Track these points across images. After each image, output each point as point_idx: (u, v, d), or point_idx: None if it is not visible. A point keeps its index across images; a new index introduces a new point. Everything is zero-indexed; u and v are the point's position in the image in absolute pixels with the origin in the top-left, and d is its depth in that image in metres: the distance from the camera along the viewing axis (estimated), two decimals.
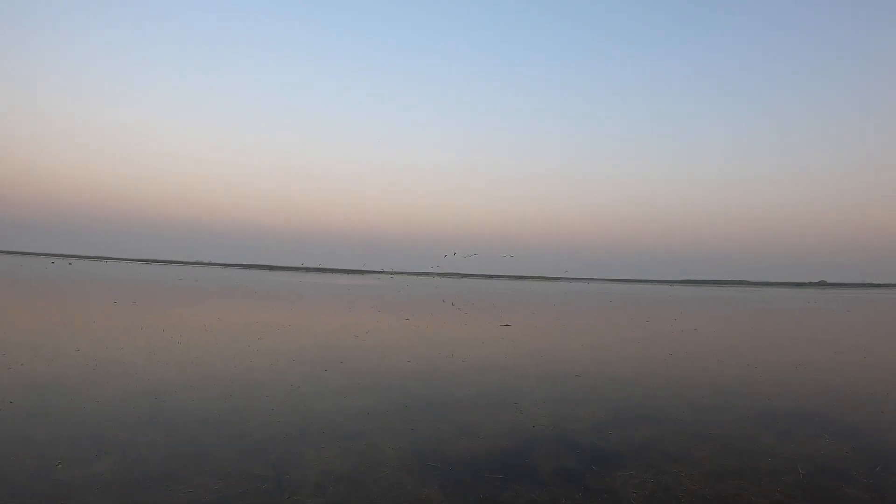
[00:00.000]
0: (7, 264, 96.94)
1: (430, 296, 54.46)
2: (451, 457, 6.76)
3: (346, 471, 6.13)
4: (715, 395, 11.05)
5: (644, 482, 6.09)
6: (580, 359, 15.44)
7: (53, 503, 5.04)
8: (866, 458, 7.12)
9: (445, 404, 9.37)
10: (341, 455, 6.65)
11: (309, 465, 6.27)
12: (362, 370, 12.01)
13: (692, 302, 60.20)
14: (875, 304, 64.27)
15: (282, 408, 8.66)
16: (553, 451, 7.16)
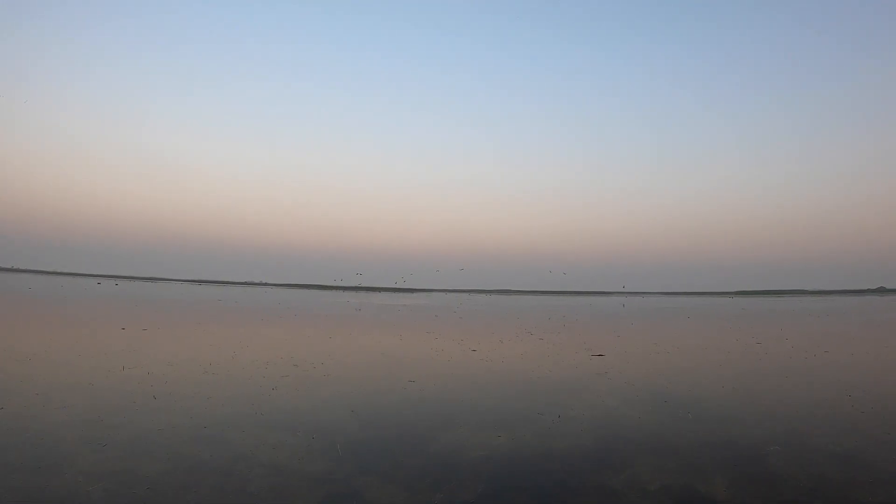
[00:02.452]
0: (52, 284, 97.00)
1: (489, 316, 49.22)
2: None
3: None
4: None
5: None
6: (734, 407, 10.11)
7: None
8: None
9: None
10: None
11: None
12: (427, 459, 6.89)
13: (774, 316, 52.75)
14: None
15: None
16: None
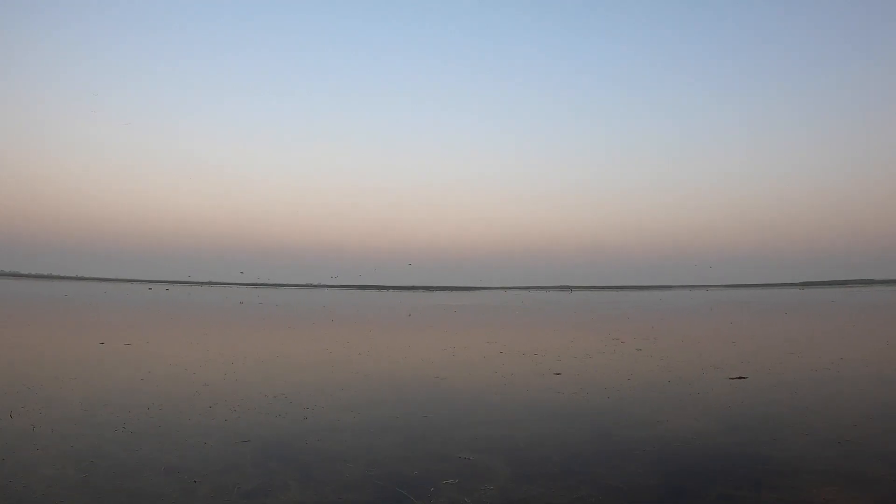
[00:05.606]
0: (94, 291, 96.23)
1: (557, 316, 43.33)
2: None
3: None
4: None
5: None
6: None
7: None
8: None
9: None
10: None
11: None
12: None
13: (877, 310, 45.66)
14: None
15: None
16: None
